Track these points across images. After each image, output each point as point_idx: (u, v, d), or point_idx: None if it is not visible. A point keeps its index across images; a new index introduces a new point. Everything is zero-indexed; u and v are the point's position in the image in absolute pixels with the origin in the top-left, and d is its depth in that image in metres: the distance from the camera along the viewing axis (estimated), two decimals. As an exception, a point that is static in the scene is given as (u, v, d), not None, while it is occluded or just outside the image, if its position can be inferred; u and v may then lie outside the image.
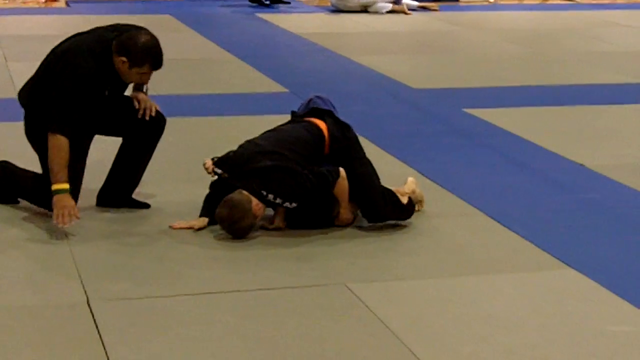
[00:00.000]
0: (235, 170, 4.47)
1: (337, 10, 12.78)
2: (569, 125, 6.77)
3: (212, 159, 4.55)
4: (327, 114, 4.68)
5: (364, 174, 4.59)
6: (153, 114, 4.70)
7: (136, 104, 4.68)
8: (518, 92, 7.90)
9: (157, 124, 4.75)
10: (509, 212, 4.87)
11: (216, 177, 4.56)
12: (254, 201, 4.37)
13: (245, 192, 4.37)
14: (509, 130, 6.49)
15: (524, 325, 3.64)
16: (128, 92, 4.81)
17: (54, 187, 4.37)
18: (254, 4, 13.07)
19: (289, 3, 13.21)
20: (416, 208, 4.74)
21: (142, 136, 4.73)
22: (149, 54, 4.48)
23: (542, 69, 9.07)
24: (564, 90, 8.03)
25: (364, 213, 4.64)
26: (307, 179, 4.39)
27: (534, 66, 9.20)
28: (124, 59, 4.46)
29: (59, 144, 4.39)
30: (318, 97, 4.89)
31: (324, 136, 4.60)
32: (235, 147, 4.62)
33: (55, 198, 4.36)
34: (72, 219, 4.34)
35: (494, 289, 3.98)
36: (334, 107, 4.86)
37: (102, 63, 4.48)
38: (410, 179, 4.92)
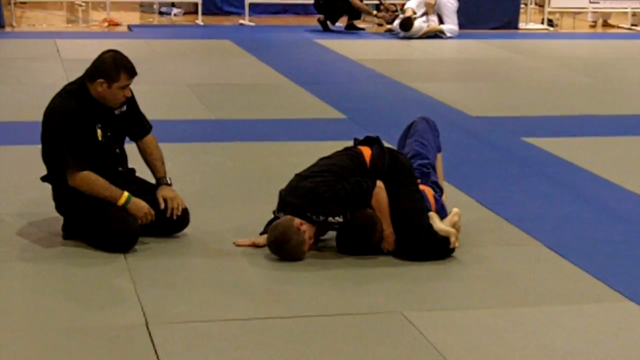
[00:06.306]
0: (280, 204, 4.57)
1: (401, 37, 12.76)
2: (629, 156, 6.70)
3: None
4: (375, 142, 4.71)
5: (406, 210, 4.51)
6: (179, 213, 4.66)
7: (162, 203, 4.65)
8: (577, 121, 7.84)
9: (179, 224, 4.73)
10: (568, 243, 4.83)
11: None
12: (297, 220, 4.43)
13: (289, 216, 4.46)
14: (568, 160, 6.44)
15: (581, 358, 3.60)
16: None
17: (119, 203, 4.52)
18: (324, 30, 13.26)
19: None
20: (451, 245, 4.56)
21: (162, 230, 4.72)
22: (120, 65, 4.57)
23: (601, 98, 8.99)
24: (624, 120, 7.95)
25: (405, 250, 4.52)
26: (341, 187, 4.44)
27: (593, 95, 9.12)
28: (100, 80, 4.54)
29: (86, 179, 4.50)
30: (423, 118, 5.06)
31: (365, 164, 4.62)
32: (291, 174, 4.68)
33: (129, 208, 4.52)
34: (152, 216, 4.56)
35: (551, 320, 3.95)
36: (436, 130, 5.03)
37: (81, 99, 4.58)
38: (454, 210, 4.78)
